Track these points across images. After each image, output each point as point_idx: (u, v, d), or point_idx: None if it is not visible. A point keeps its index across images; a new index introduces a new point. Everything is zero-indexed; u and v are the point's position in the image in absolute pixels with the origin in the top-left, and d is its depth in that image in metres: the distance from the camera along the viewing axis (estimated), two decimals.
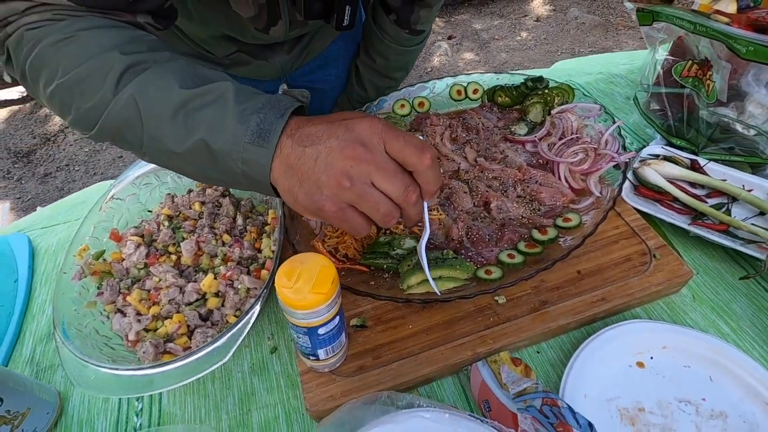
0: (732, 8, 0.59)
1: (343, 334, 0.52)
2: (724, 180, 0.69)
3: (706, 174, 0.71)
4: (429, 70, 3.09)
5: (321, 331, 0.47)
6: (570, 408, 0.47)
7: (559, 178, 0.70)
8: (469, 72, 3.01)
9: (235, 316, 0.59)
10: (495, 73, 0.86)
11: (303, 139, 0.41)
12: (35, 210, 2.34)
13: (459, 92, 0.86)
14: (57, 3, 0.44)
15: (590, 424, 0.45)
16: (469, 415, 0.46)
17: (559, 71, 1.07)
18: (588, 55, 3.10)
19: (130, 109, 0.42)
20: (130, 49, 0.44)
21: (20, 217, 2.32)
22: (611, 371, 0.56)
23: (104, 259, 0.64)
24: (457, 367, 0.56)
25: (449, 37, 3.37)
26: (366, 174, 0.40)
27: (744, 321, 0.60)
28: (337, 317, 0.48)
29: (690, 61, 0.70)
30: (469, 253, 0.63)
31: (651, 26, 0.70)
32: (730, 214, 0.66)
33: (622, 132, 0.85)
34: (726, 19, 0.59)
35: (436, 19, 3.56)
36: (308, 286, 0.43)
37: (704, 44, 0.65)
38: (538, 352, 0.59)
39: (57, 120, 2.84)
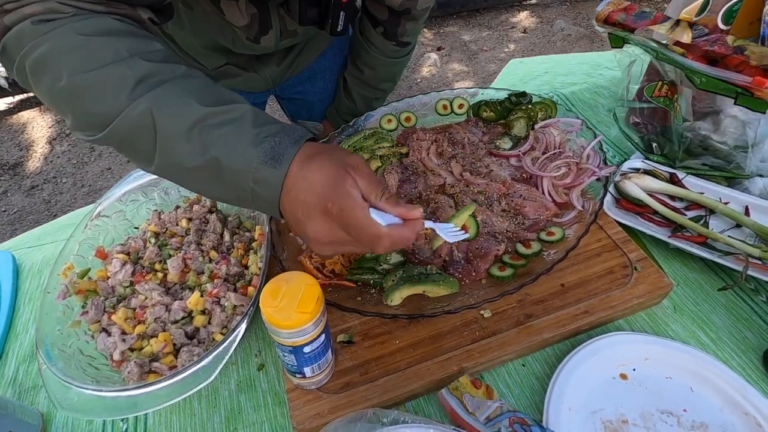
0: (687, 37, 0.61)
1: (330, 351, 0.52)
2: (702, 193, 0.71)
3: (685, 187, 0.72)
4: (418, 80, 3.12)
5: (306, 349, 0.47)
6: (538, 423, 0.47)
7: (543, 192, 0.71)
8: (458, 82, 3.05)
9: (222, 333, 0.59)
10: (480, 87, 0.87)
11: (302, 190, 0.43)
12: (21, 223, 2.31)
13: (445, 107, 0.88)
14: None
15: None
16: (454, 429, 0.46)
17: (539, 79, 1.09)
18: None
19: (144, 120, 0.43)
20: (145, 58, 0.44)
21: (6, 230, 2.29)
22: (595, 384, 0.57)
23: (89, 278, 0.64)
24: (443, 382, 0.56)
25: (438, 48, 3.42)
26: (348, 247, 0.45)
27: (723, 332, 0.61)
28: (323, 335, 0.48)
29: (660, 82, 0.72)
30: (458, 268, 0.64)
31: (622, 48, 0.73)
32: (707, 227, 0.67)
33: (604, 145, 0.87)
34: (682, 50, 0.62)
35: (426, 30, 3.61)
36: (293, 306, 0.43)
37: (669, 68, 0.68)
38: (523, 365, 0.60)
39: (44, 131, 2.81)
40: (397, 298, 0.59)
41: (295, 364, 0.49)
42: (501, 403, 0.51)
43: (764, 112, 0.59)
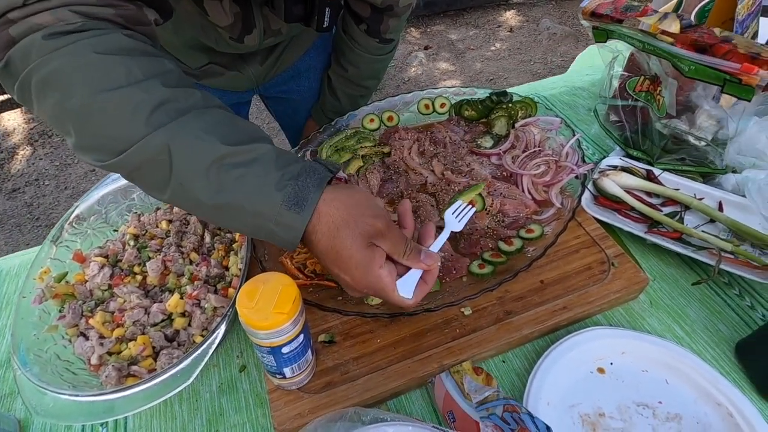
0: (675, 27, 0.62)
1: (309, 351, 0.52)
2: (678, 189, 0.73)
3: (661, 184, 0.74)
4: (406, 79, 3.13)
5: (285, 350, 0.47)
6: (529, 413, 0.48)
7: (523, 190, 0.72)
8: (445, 81, 3.06)
9: (202, 335, 0.58)
10: (464, 86, 0.88)
11: (328, 249, 0.45)
12: (2, 227, 2.27)
13: (427, 106, 0.88)
14: None
15: (548, 428, 0.46)
16: (433, 426, 0.47)
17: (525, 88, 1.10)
18: (560, 63, 3.20)
19: (161, 154, 0.41)
20: (161, 81, 0.42)
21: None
22: (573, 378, 0.57)
23: (67, 281, 0.63)
24: (424, 379, 0.57)
25: (425, 48, 3.42)
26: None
27: (697, 325, 0.63)
28: (302, 335, 0.48)
29: (642, 77, 0.73)
30: (439, 267, 0.64)
31: (605, 43, 0.74)
32: (683, 222, 0.69)
33: (584, 143, 0.89)
34: (670, 39, 0.63)
35: (413, 29, 3.62)
36: (270, 306, 0.43)
37: (654, 61, 0.69)
38: (503, 362, 0.61)
39: (25, 133, 2.76)
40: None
41: (275, 364, 0.49)
42: (497, 390, 0.51)
43: (749, 100, 0.60)
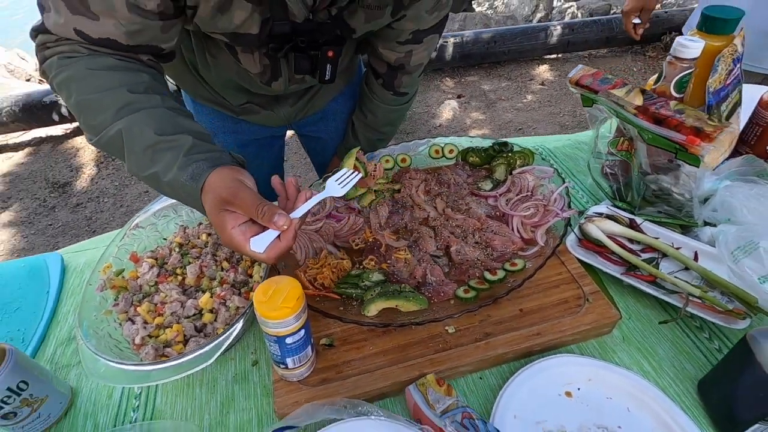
0: (639, 100, 0.72)
1: (309, 348, 0.62)
2: (657, 238, 0.80)
3: (642, 232, 0.81)
4: (437, 125, 3.29)
5: (288, 340, 0.57)
6: (482, 419, 0.55)
7: (512, 229, 0.81)
8: (475, 129, 3.20)
9: (224, 329, 0.70)
10: (471, 136, 0.99)
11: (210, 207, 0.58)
12: (63, 237, 2.53)
13: (437, 152, 1.00)
14: (75, 39, 0.61)
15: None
16: (406, 420, 0.55)
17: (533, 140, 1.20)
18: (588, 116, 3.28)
19: (118, 137, 0.61)
20: (129, 89, 0.61)
21: (49, 242, 2.51)
22: (541, 397, 0.64)
23: (123, 276, 0.77)
24: (406, 384, 0.65)
25: (458, 96, 3.61)
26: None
27: (665, 362, 0.68)
28: (303, 330, 0.58)
29: (622, 138, 0.82)
30: (429, 289, 0.73)
31: (592, 107, 0.84)
32: (658, 268, 0.75)
33: (580, 192, 0.97)
34: (634, 111, 0.72)
35: (447, 79, 3.83)
36: (278, 301, 0.54)
37: (628, 126, 0.78)
38: (480, 378, 0.68)
39: (93, 155, 3.10)
40: (373, 309, 0.69)
41: (279, 353, 0.59)
42: (457, 399, 0.59)
43: (698, 166, 0.68)
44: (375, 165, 0.89)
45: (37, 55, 0.66)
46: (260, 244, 0.55)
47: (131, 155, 0.61)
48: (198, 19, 0.66)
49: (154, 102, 0.63)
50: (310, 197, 0.61)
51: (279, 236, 0.56)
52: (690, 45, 0.76)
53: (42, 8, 0.62)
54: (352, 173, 0.70)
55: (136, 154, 0.60)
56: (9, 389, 0.59)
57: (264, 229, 0.56)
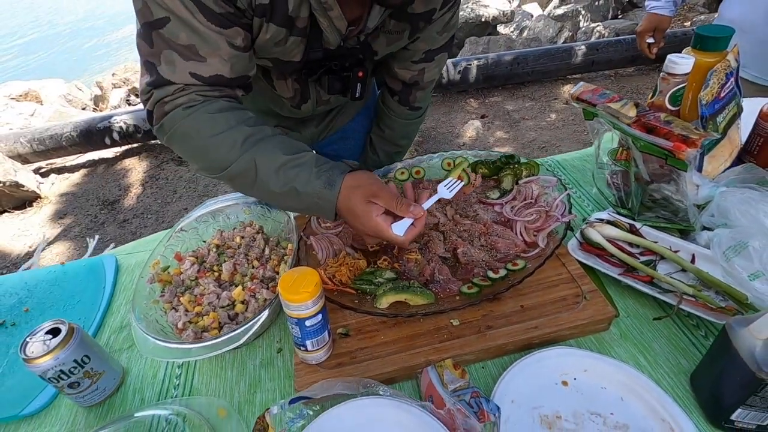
0: (632, 113, 0.78)
1: (327, 333, 0.71)
2: (656, 242, 0.84)
3: (642, 236, 0.85)
4: (461, 144, 3.38)
5: (308, 323, 0.66)
6: (486, 398, 0.61)
7: (516, 233, 0.87)
8: (498, 147, 3.26)
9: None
10: (481, 150, 1.07)
11: (347, 210, 0.72)
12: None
13: (449, 164, 1.08)
14: (191, 83, 0.71)
15: (498, 408, 0.59)
16: (410, 399, 0.62)
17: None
18: None
19: (249, 165, 0.71)
20: (246, 124, 0.72)
21: (99, 254, 2.72)
22: (538, 385, 0.69)
23: (168, 272, 0.88)
24: (412, 369, 0.71)
25: (482, 116, 3.69)
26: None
27: (660, 357, 0.72)
28: (320, 315, 0.67)
29: (621, 148, 0.88)
30: (436, 286, 0.80)
31: (593, 120, 0.90)
32: (656, 269, 0.79)
33: (586, 200, 1.03)
34: (628, 122, 0.78)
35: (471, 100, 3.93)
36: (299, 287, 0.63)
37: (625, 135, 0.84)
38: (483, 367, 0.74)
39: (140, 176, 3.36)
40: (384, 302, 0.76)
41: (300, 336, 0.68)
42: (468, 382, 0.65)
43: (686, 170, 0.73)
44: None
45: (153, 111, 0.74)
46: (400, 228, 0.71)
47: (264, 176, 0.71)
48: (256, 46, 0.77)
49: (267, 131, 0.74)
50: (429, 197, 0.79)
51: (413, 223, 0.71)
52: (680, 62, 0.82)
53: (152, 66, 0.70)
54: (457, 181, 0.84)
55: (270, 175, 0.71)
56: (75, 361, 0.70)
57: (396, 219, 0.72)
